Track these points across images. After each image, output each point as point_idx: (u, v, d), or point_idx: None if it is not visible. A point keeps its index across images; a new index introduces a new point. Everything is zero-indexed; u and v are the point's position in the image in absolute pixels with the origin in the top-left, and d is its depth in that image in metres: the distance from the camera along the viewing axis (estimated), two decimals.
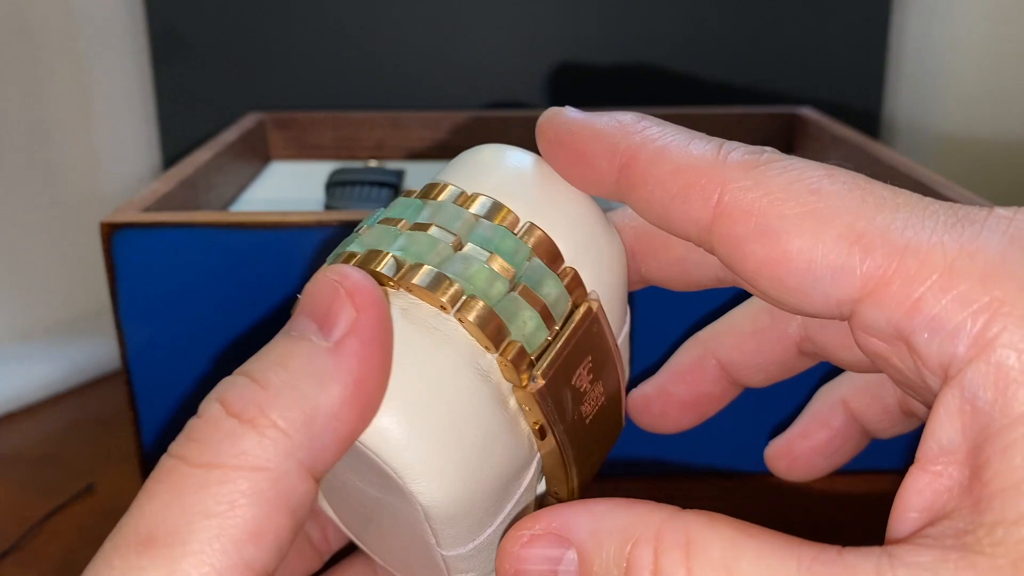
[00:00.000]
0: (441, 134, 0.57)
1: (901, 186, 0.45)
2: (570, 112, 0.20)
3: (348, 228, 0.33)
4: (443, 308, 0.19)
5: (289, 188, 0.51)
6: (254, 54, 0.60)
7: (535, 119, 0.22)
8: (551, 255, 0.20)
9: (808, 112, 0.56)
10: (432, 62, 0.61)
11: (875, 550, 0.15)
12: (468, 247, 0.20)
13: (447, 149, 0.57)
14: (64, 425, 0.45)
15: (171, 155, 0.61)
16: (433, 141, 0.57)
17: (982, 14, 0.54)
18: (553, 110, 0.20)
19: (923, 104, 0.59)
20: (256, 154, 0.54)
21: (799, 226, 0.16)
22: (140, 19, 0.59)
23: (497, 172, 0.21)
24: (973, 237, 0.15)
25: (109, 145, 0.57)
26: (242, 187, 0.50)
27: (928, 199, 0.16)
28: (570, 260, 0.20)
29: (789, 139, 0.57)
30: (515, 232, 0.20)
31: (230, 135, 0.49)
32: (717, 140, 0.18)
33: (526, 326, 0.19)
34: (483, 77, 0.62)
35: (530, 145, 0.23)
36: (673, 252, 0.22)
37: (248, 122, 0.54)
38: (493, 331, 0.19)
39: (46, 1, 0.52)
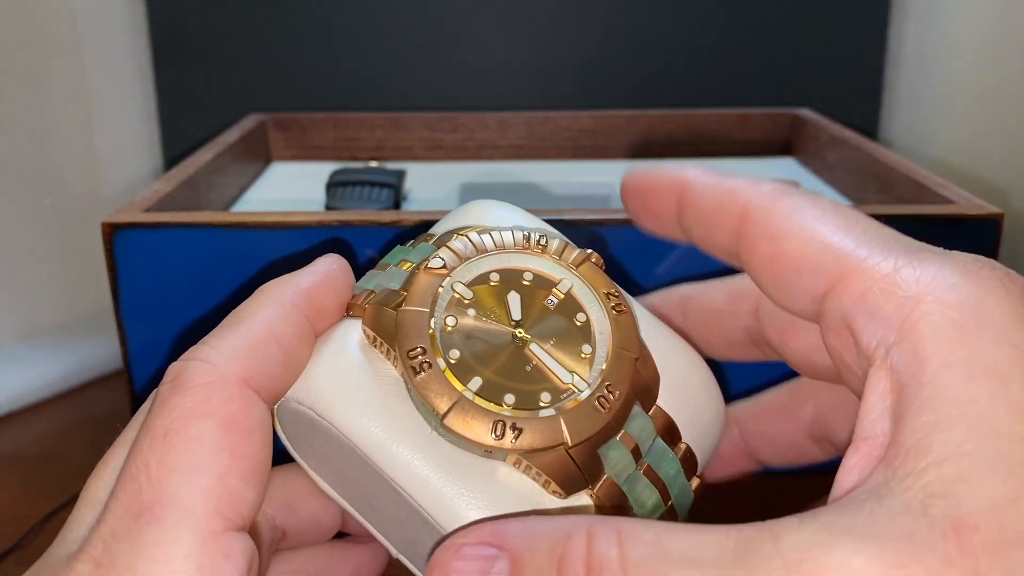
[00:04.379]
0: (441, 134, 0.57)
1: (900, 186, 0.45)
2: (639, 171, 0.24)
3: (348, 228, 0.33)
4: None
5: (290, 188, 0.51)
6: (255, 55, 0.61)
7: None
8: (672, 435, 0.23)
9: (808, 112, 0.56)
10: (432, 63, 0.61)
11: (799, 515, 0.16)
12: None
13: (447, 149, 0.57)
14: (64, 425, 0.45)
15: (172, 156, 0.61)
16: (433, 141, 0.57)
17: (980, 15, 0.54)
18: (630, 172, 0.25)
19: (922, 104, 0.60)
20: (257, 155, 0.54)
21: (796, 233, 0.20)
22: (141, 20, 0.59)
23: None
24: (921, 260, 0.18)
25: (110, 146, 0.57)
26: (243, 187, 0.50)
27: (898, 234, 0.20)
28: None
29: (789, 139, 0.57)
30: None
31: (231, 136, 0.50)
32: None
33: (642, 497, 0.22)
34: (483, 77, 0.62)
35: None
36: (711, 305, 0.26)
37: (249, 123, 0.54)
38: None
39: (48, 2, 0.52)
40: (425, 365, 0.20)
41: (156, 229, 0.33)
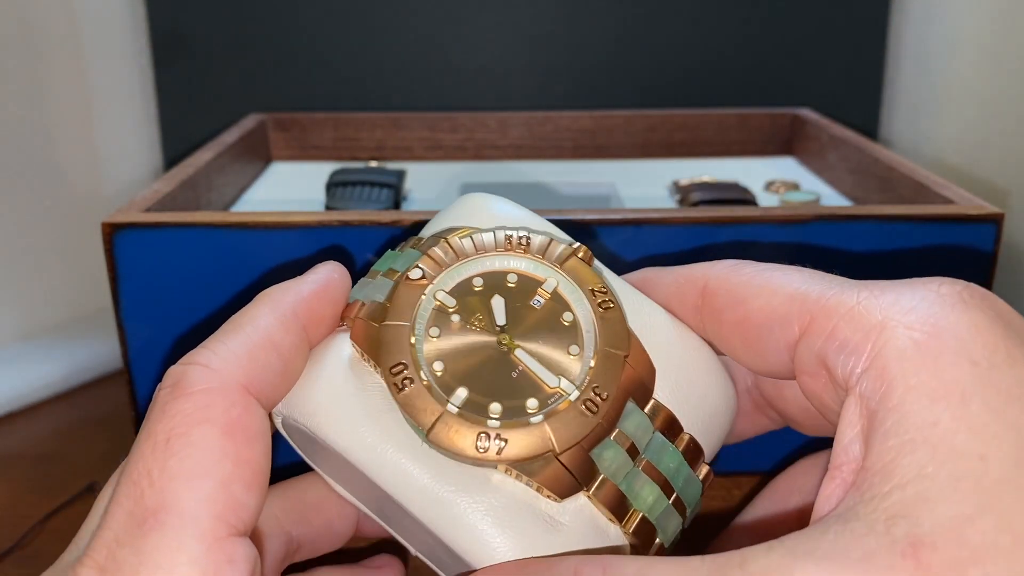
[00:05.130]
0: (441, 134, 0.57)
1: (900, 186, 0.45)
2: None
3: (348, 228, 0.33)
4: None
5: (290, 188, 0.51)
6: (255, 55, 0.60)
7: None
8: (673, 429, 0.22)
9: (808, 112, 0.56)
10: (432, 63, 0.61)
11: (770, 542, 0.17)
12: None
13: (447, 149, 0.57)
14: (64, 425, 0.45)
15: (172, 156, 0.61)
16: (433, 141, 0.57)
17: (980, 14, 0.54)
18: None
19: (921, 104, 0.60)
20: (257, 155, 0.54)
21: (758, 294, 0.21)
22: (141, 20, 0.59)
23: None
24: (880, 291, 0.19)
25: (110, 146, 0.57)
26: (243, 188, 0.50)
27: (858, 282, 0.20)
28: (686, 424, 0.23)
29: (789, 139, 0.57)
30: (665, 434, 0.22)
31: (231, 136, 0.50)
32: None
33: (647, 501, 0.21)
34: (483, 77, 0.62)
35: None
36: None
37: (249, 123, 0.54)
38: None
39: (48, 2, 0.52)
40: (407, 381, 0.20)
41: (156, 229, 0.33)
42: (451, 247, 0.22)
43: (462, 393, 0.21)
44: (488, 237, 0.23)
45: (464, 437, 0.20)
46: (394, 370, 0.20)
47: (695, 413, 0.23)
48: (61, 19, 0.53)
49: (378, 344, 0.21)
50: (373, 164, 0.55)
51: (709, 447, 0.23)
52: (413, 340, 0.21)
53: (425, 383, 0.20)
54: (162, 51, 0.60)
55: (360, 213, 0.33)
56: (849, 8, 0.61)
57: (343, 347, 0.22)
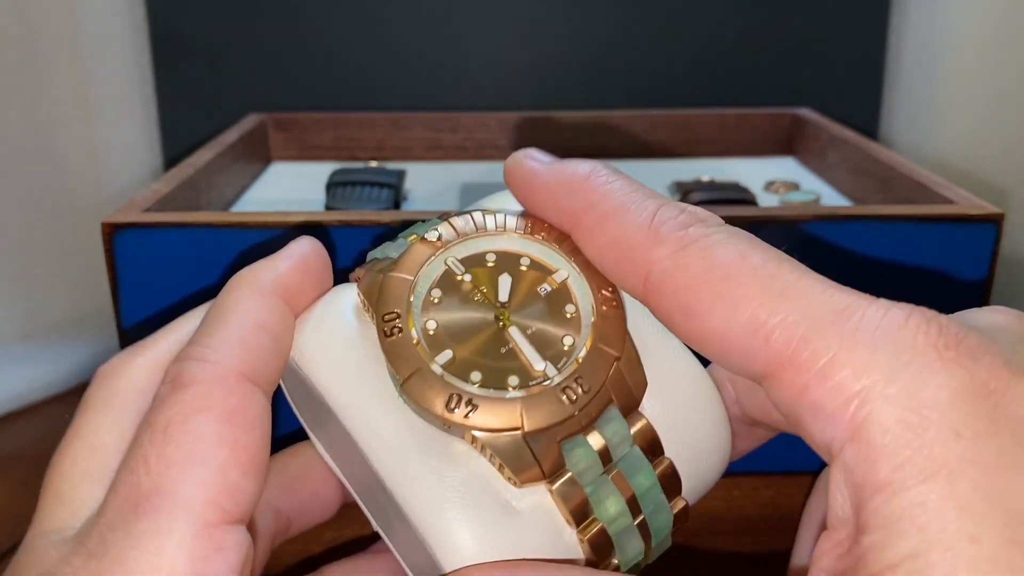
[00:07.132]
0: (441, 134, 0.57)
1: (899, 186, 0.44)
2: (528, 162, 0.22)
3: (348, 228, 0.33)
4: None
5: (290, 189, 0.51)
6: (255, 55, 0.61)
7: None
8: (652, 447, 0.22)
9: (808, 112, 0.56)
10: (432, 63, 0.61)
11: None
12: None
13: (447, 149, 0.57)
14: (64, 425, 0.45)
15: (172, 156, 0.61)
16: (433, 141, 0.57)
17: (980, 15, 0.54)
18: (516, 156, 0.22)
19: (922, 104, 0.60)
20: (257, 155, 0.54)
21: (712, 309, 0.19)
22: (141, 20, 0.59)
23: None
24: (852, 331, 0.17)
25: (110, 145, 0.57)
26: (243, 188, 0.50)
27: (826, 285, 0.18)
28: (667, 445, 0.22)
29: (789, 139, 0.57)
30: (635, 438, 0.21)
31: (231, 136, 0.50)
32: (654, 203, 0.20)
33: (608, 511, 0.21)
34: (483, 77, 0.62)
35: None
36: None
37: (249, 123, 0.54)
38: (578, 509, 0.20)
39: (48, 2, 0.52)
40: (396, 330, 0.21)
41: (156, 229, 0.33)
42: (473, 220, 0.23)
43: (447, 354, 0.21)
44: (511, 219, 0.23)
45: (436, 394, 0.20)
46: (387, 317, 0.21)
47: (680, 442, 0.22)
48: (61, 19, 0.53)
49: (379, 292, 0.21)
50: (373, 164, 0.55)
51: (690, 484, 0.22)
52: (413, 295, 0.21)
53: (413, 336, 0.21)
54: (162, 51, 0.60)
55: (360, 213, 0.33)
56: (849, 8, 0.61)
57: (347, 295, 0.22)
